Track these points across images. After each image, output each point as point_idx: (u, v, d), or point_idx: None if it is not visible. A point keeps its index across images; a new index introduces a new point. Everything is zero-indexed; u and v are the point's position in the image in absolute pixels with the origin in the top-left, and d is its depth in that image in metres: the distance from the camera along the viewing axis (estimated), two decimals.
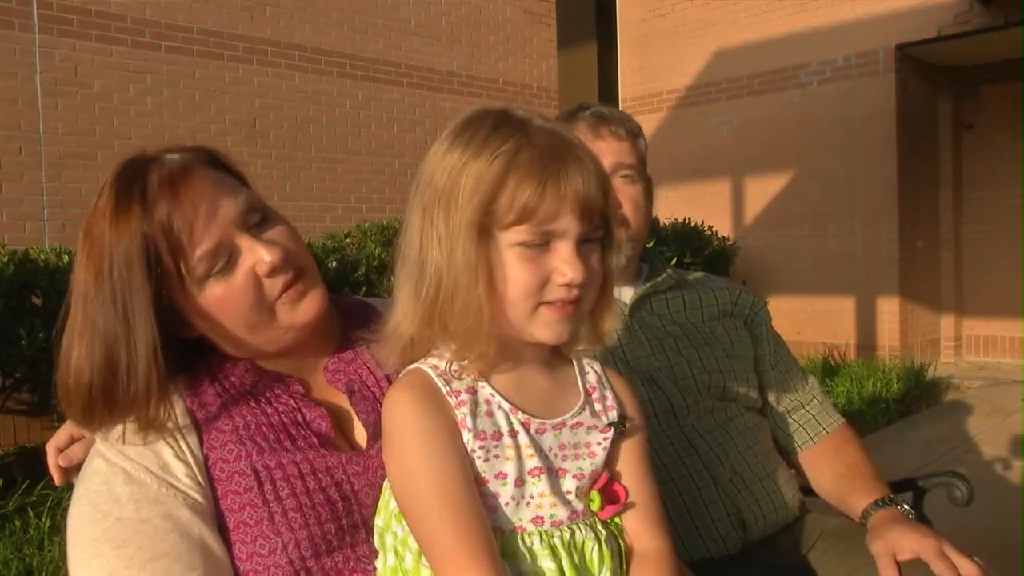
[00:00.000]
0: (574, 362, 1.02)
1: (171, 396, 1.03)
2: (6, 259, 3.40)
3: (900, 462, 4.19)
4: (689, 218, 6.54)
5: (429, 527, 0.87)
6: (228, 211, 1.02)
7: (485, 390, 0.94)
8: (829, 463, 1.59)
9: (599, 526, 0.96)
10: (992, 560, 1.28)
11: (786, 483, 1.54)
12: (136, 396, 0.98)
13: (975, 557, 1.25)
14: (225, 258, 1.01)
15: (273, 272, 1.03)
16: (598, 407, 0.99)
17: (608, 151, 1.56)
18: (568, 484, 0.94)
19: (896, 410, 5.39)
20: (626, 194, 1.57)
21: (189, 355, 1.09)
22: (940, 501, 1.61)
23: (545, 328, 0.91)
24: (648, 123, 8.17)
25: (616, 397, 1.02)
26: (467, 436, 0.90)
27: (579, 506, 0.94)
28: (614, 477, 0.99)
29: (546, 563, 0.90)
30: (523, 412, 0.93)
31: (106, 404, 0.98)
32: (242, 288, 1.02)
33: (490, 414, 0.92)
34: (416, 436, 0.89)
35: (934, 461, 4.30)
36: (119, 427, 1.01)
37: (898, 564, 1.27)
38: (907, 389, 5.74)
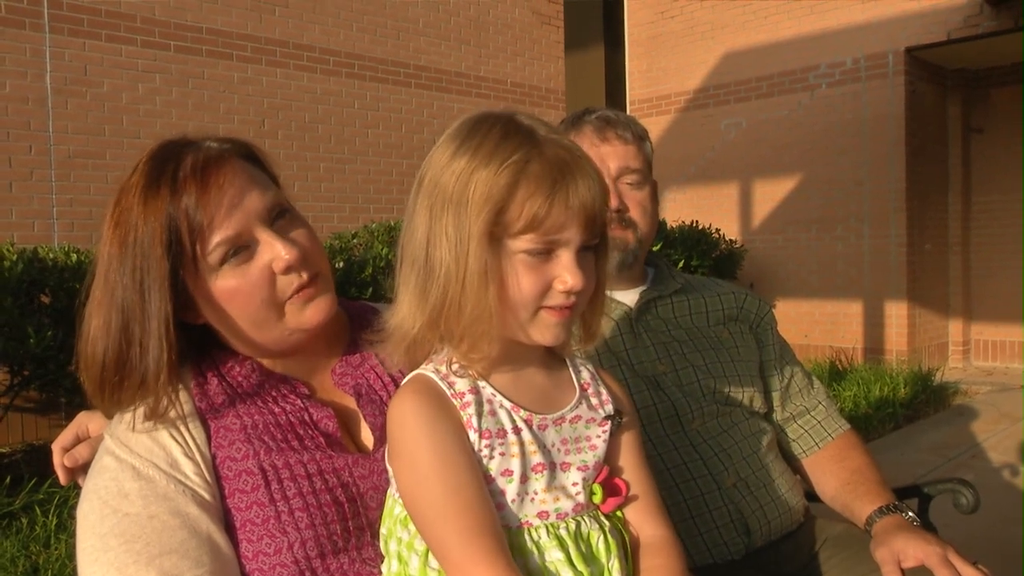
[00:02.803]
0: (567, 361, 1.04)
1: (178, 384, 1.04)
2: (15, 257, 3.42)
3: (906, 467, 4.18)
4: (696, 221, 6.53)
5: (442, 528, 0.88)
6: (254, 204, 1.04)
7: (487, 390, 0.95)
8: (834, 469, 1.58)
9: (602, 518, 0.98)
10: (997, 568, 1.27)
11: (790, 489, 1.53)
12: (146, 372, 0.99)
13: (980, 565, 1.25)
14: (242, 247, 1.02)
15: (288, 270, 1.04)
16: (594, 401, 1.01)
17: (614, 155, 1.56)
18: (574, 476, 0.95)
19: (903, 415, 5.37)
20: (632, 198, 1.57)
21: (194, 348, 1.09)
22: (946, 508, 1.60)
23: (544, 331, 0.93)
24: (656, 126, 8.16)
25: (610, 392, 1.04)
26: (473, 436, 0.92)
27: (583, 499, 0.96)
28: (614, 471, 1.01)
29: (554, 554, 0.91)
30: (524, 409, 0.95)
31: (117, 375, 1.00)
32: (256, 282, 1.03)
33: (493, 413, 0.94)
34: (426, 439, 0.90)
35: (940, 467, 4.28)
36: (128, 416, 1.02)
37: (903, 571, 1.27)
38: (914, 394, 5.72)
